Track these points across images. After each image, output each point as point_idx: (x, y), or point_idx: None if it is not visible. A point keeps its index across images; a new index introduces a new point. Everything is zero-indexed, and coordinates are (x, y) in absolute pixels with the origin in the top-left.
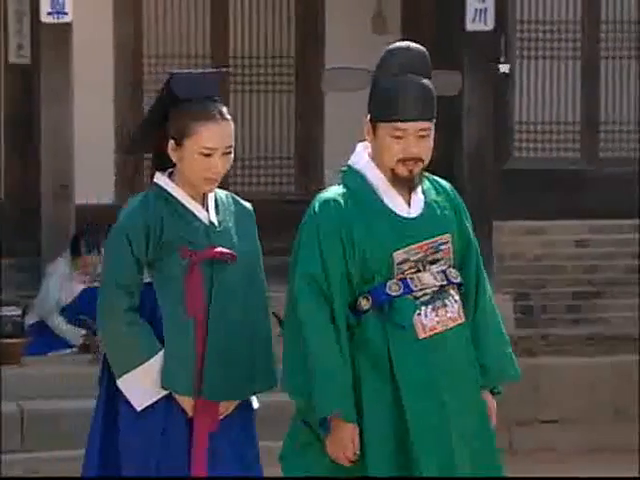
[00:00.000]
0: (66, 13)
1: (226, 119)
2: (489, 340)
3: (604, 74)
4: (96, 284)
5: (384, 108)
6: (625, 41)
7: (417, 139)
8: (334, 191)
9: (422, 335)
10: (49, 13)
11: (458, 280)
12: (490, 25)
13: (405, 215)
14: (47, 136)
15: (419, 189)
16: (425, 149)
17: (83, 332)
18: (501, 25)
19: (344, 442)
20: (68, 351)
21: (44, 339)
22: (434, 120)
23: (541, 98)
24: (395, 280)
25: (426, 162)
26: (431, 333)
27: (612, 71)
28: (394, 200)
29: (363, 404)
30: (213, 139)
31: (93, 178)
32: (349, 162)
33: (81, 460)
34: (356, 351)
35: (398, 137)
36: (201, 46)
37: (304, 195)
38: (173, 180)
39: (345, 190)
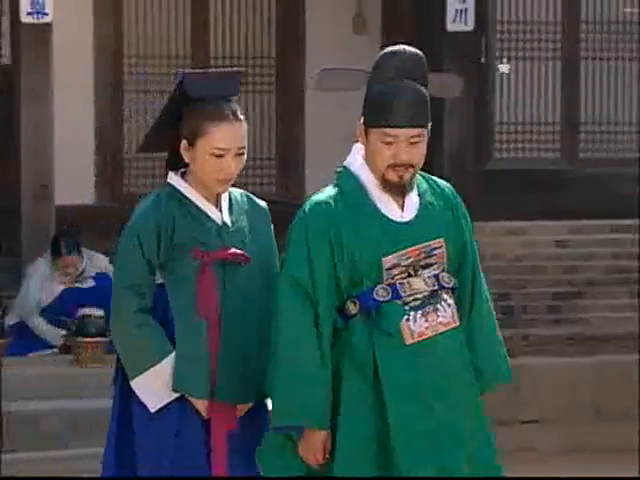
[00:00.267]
0: (46, 13)
1: (239, 120)
2: (483, 343)
3: (584, 74)
4: (77, 285)
5: (376, 113)
6: (605, 42)
7: (408, 145)
8: (326, 192)
9: (409, 341)
10: (29, 13)
11: (451, 285)
12: (470, 25)
13: (397, 219)
14: (27, 136)
15: (414, 192)
16: (416, 155)
17: (63, 333)
18: (481, 26)
19: (315, 446)
20: (48, 352)
21: (24, 340)
22: (427, 126)
23: (521, 99)
24: (384, 285)
25: (417, 168)
26: (419, 339)
27: (592, 71)
28: (386, 204)
29: (341, 404)
30: (225, 140)
31: (73, 178)
32: (344, 163)
33: (61, 461)
34: (341, 353)
35: (389, 143)
36: (182, 46)
37: (285, 196)
38: (186, 180)
39: (337, 192)
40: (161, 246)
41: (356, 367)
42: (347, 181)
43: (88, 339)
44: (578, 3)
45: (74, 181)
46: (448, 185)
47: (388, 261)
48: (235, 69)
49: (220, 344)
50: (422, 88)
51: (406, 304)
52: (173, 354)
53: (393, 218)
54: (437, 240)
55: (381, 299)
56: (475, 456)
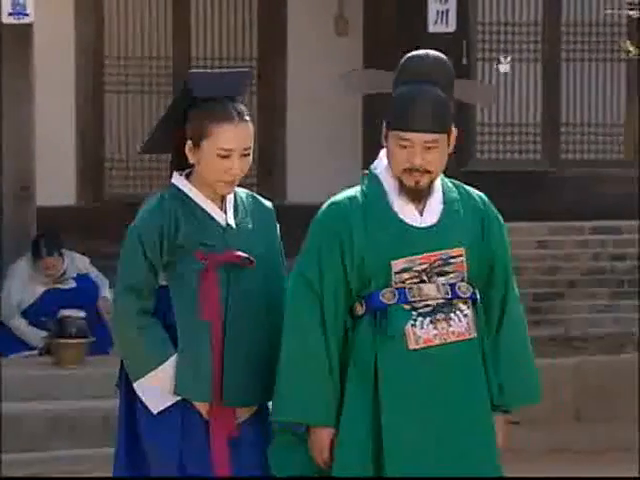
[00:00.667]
0: (27, 14)
1: (244, 120)
2: (509, 359)
3: (565, 76)
4: (58, 286)
5: (394, 116)
6: (586, 43)
7: (423, 150)
8: (346, 193)
9: (413, 346)
10: (10, 14)
11: (468, 295)
12: (452, 27)
13: (415, 224)
14: (8, 137)
15: (437, 198)
16: (432, 161)
17: (44, 334)
18: (463, 27)
19: (320, 445)
20: (29, 353)
21: (5, 341)
22: (446, 132)
23: (502, 100)
24: (391, 288)
25: (435, 174)
26: (424, 345)
27: (573, 73)
28: (404, 208)
29: (344, 404)
30: (230, 140)
31: (54, 179)
32: (371, 166)
33: (43, 463)
34: (348, 352)
35: (404, 147)
36: (163, 47)
37: (267, 199)
38: (190, 181)
39: (357, 194)
40: (164, 247)
41: (359, 368)
42: (369, 183)
43: (68, 340)
44: (559, 5)
45: (55, 182)
46: (480, 194)
47: (398, 265)
48: (241, 69)
49: (224, 347)
50: (443, 94)
51: (415, 309)
52: (174, 357)
53: (410, 223)
54: (457, 249)
55: (387, 302)
56: (470, 468)
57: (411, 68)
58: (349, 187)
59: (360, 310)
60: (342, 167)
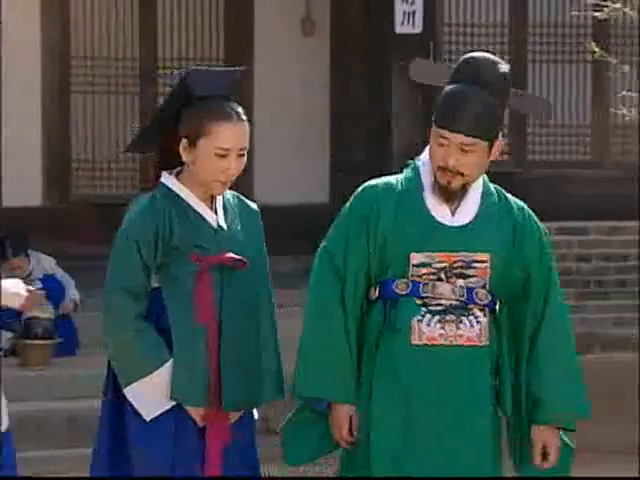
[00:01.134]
0: None
1: (242, 119)
2: (549, 375)
3: (531, 77)
4: None
5: (438, 113)
6: (552, 44)
7: (459, 152)
8: (383, 180)
9: (415, 341)
10: None
11: (486, 302)
12: (418, 28)
13: (444, 222)
14: None
15: (474, 201)
16: (466, 164)
17: (10, 335)
18: (429, 28)
19: (339, 421)
20: None
21: None
22: (486, 138)
23: None
24: (406, 280)
25: (469, 178)
26: (427, 342)
27: (539, 74)
28: (436, 205)
29: (359, 384)
30: (229, 140)
31: (20, 180)
32: (417, 157)
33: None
34: (362, 335)
35: (441, 144)
36: (129, 49)
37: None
38: (180, 180)
39: (395, 181)
40: (158, 247)
41: (367, 352)
42: (409, 174)
43: (34, 341)
44: (525, 6)
45: (21, 182)
46: (521, 205)
47: (416, 258)
48: (238, 68)
49: (219, 350)
50: (490, 99)
51: (425, 305)
52: (170, 362)
53: (440, 220)
54: (482, 254)
55: (400, 292)
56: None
57: (464, 68)
58: (317, 188)
59: (374, 294)
60: (310, 168)
